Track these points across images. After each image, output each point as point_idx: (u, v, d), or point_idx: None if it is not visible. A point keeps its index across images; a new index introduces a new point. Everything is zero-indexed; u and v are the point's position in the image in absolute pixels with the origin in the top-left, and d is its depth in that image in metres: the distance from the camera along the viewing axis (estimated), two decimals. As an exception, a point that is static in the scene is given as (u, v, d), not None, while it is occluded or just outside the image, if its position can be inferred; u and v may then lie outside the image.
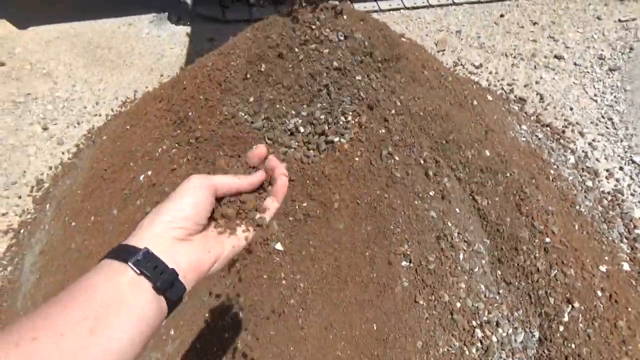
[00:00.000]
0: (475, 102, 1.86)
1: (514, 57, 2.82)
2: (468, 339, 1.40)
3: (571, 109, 2.45)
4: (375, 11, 3.24)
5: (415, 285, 1.45)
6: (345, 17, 1.53)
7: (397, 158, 1.52)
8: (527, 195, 1.60)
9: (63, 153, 2.35)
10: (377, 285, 1.44)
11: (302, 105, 1.48)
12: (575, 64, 2.74)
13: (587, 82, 2.61)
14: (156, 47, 3.01)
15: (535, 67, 2.74)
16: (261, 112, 1.50)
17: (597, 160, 2.19)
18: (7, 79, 2.74)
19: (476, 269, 1.51)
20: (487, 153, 1.66)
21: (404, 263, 1.47)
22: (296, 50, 1.47)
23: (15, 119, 2.51)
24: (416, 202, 1.50)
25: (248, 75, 1.51)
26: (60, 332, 0.43)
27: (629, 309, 1.43)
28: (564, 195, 1.82)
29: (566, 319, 1.40)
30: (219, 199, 0.65)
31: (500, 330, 1.42)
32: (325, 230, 1.47)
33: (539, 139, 2.17)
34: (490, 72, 2.72)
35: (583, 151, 2.22)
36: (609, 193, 2.03)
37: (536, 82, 2.62)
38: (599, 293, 1.43)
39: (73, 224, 1.71)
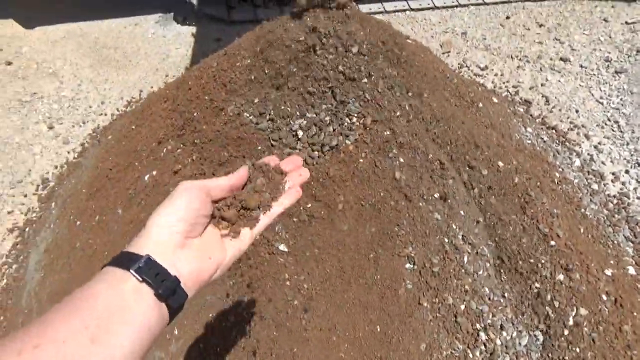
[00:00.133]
0: (480, 104, 1.85)
1: (520, 59, 2.81)
2: (472, 342, 1.39)
3: (577, 111, 2.44)
4: (381, 12, 3.24)
5: (419, 287, 1.45)
6: (351, 20, 1.53)
7: (401, 160, 1.51)
8: (532, 198, 1.59)
9: (68, 152, 2.36)
10: (380, 287, 1.44)
11: (307, 106, 1.48)
12: (581, 66, 2.73)
13: (593, 85, 2.60)
14: (162, 47, 3.02)
15: (540, 69, 2.73)
16: (266, 113, 1.50)
17: (603, 163, 2.18)
18: (13, 78, 2.75)
19: (480, 272, 1.50)
20: (492, 155, 1.66)
21: (408, 265, 1.46)
22: (302, 54, 1.47)
23: (22, 118, 2.52)
24: (420, 204, 1.50)
25: (252, 77, 1.51)
26: (62, 340, 0.43)
27: (634, 314, 1.42)
28: (569, 198, 1.82)
29: (571, 322, 1.39)
30: (216, 202, 0.65)
31: (504, 333, 1.42)
32: (330, 231, 1.47)
33: (544, 141, 2.16)
34: (496, 74, 2.71)
35: (589, 154, 2.21)
36: (614, 196, 2.02)
37: (542, 85, 2.61)
38: (604, 297, 1.43)
39: (78, 222, 1.71)
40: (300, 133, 1.49)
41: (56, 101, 2.62)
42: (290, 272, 1.47)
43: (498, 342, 1.40)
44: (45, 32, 3.10)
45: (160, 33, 3.14)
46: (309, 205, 1.49)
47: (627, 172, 2.13)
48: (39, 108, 2.58)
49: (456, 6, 3.29)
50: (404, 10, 3.27)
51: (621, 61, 2.73)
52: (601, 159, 2.19)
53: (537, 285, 1.45)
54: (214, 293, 1.48)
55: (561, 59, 2.78)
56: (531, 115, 2.40)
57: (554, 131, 2.30)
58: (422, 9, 3.28)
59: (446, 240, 1.49)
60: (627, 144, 2.26)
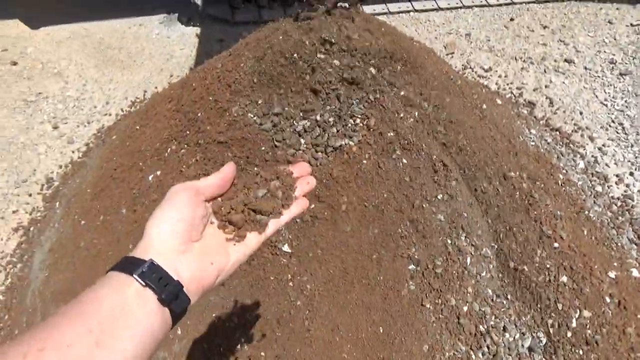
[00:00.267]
0: (484, 106, 1.85)
1: (524, 61, 2.81)
2: (474, 344, 1.39)
3: (581, 113, 2.44)
4: (385, 13, 3.24)
5: (422, 288, 1.45)
6: (356, 22, 1.53)
7: (405, 161, 1.51)
8: (536, 200, 1.59)
9: (73, 152, 2.37)
10: (383, 288, 1.44)
11: (311, 108, 1.48)
12: (585, 68, 2.72)
13: (598, 87, 2.59)
14: (166, 48, 3.03)
15: (545, 71, 2.73)
16: (270, 114, 1.50)
17: (607, 165, 2.17)
18: (19, 78, 2.77)
19: (483, 273, 1.50)
20: (496, 157, 1.66)
21: (411, 266, 1.47)
22: (306, 57, 1.47)
23: (27, 118, 2.53)
24: (424, 205, 1.50)
25: (255, 80, 1.52)
26: (67, 344, 0.43)
27: (638, 316, 1.42)
28: (573, 200, 1.81)
29: (574, 324, 1.39)
30: (209, 201, 0.65)
31: (507, 335, 1.42)
32: (333, 232, 1.48)
33: (548, 143, 2.16)
34: (500, 76, 2.71)
35: (593, 156, 2.20)
36: (618, 198, 2.01)
37: (546, 86, 2.61)
38: (608, 299, 1.42)
39: (82, 222, 1.72)
40: (303, 134, 1.49)
41: (61, 101, 2.63)
42: (294, 273, 1.47)
43: (501, 343, 1.40)
44: (50, 33, 3.12)
45: (165, 33, 3.15)
46: (313, 206, 1.50)
47: (631, 174, 2.13)
48: (44, 108, 2.59)
49: (460, 7, 3.29)
50: (408, 12, 3.27)
51: (626, 63, 2.72)
52: (605, 161, 2.19)
53: (540, 287, 1.45)
54: (218, 293, 1.49)
55: (565, 60, 2.78)
56: (535, 117, 2.40)
57: (558, 133, 2.30)
58: (426, 10, 3.28)
59: (449, 241, 1.49)
60: (632, 146, 2.25)
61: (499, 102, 2.18)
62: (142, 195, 1.63)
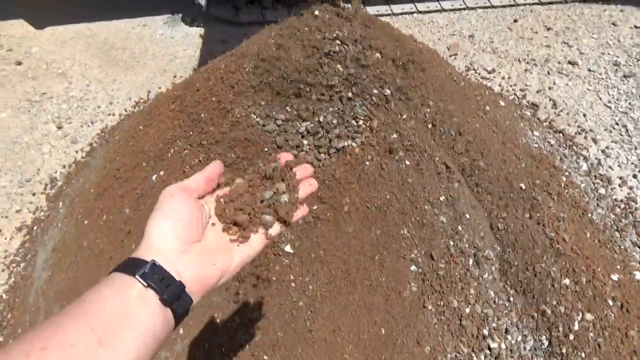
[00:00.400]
0: (487, 108, 1.85)
1: (527, 63, 2.80)
2: (476, 346, 1.39)
3: (584, 115, 2.43)
4: (388, 15, 3.24)
5: (424, 290, 1.45)
6: (358, 23, 1.53)
7: (407, 163, 1.51)
8: (539, 202, 1.59)
9: (77, 152, 2.38)
10: (385, 290, 1.44)
11: (314, 109, 1.49)
12: (589, 70, 2.71)
13: (601, 89, 2.59)
14: (169, 48, 3.04)
15: (548, 72, 2.72)
16: (273, 115, 1.51)
17: (610, 167, 2.16)
18: (23, 78, 2.78)
19: (486, 275, 1.50)
20: (499, 159, 1.66)
21: (413, 268, 1.47)
22: (309, 59, 1.47)
23: (31, 118, 2.54)
24: (426, 207, 1.50)
25: (260, 80, 1.52)
26: (69, 343, 0.43)
27: (641, 319, 1.41)
28: (576, 202, 1.81)
29: (576, 327, 1.39)
30: (201, 198, 0.65)
31: (509, 337, 1.41)
32: (335, 233, 1.48)
33: (551, 145, 2.15)
34: (503, 78, 2.71)
35: (596, 158, 2.20)
36: (621, 201, 2.01)
37: (549, 88, 2.60)
38: (610, 302, 1.42)
39: (85, 222, 1.73)
40: (306, 135, 1.50)
41: (65, 101, 2.64)
42: (296, 274, 1.47)
43: (503, 345, 1.39)
44: (55, 33, 3.13)
45: (169, 34, 3.16)
46: (315, 207, 1.50)
47: (634, 176, 2.12)
48: (48, 108, 2.60)
49: (464, 9, 3.29)
50: (412, 13, 3.27)
51: (630, 65, 2.71)
52: (608, 163, 2.18)
53: (542, 289, 1.45)
54: (220, 294, 1.49)
55: (569, 62, 2.77)
56: (538, 118, 2.39)
57: (561, 135, 2.29)
58: (430, 12, 3.28)
59: (451, 243, 1.49)
60: (635, 148, 2.25)
61: (502, 103, 2.17)
62: (145, 196, 1.64)
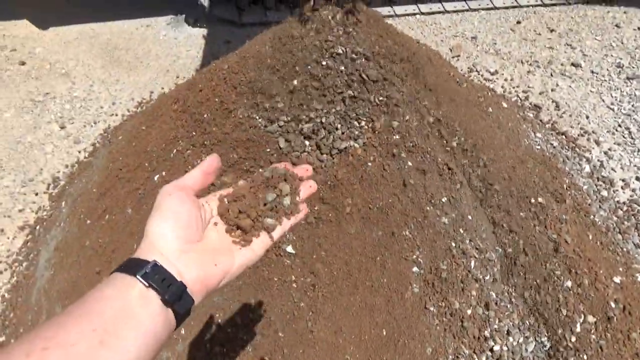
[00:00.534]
0: (490, 109, 1.85)
1: (530, 64, 2.80)
2: (478, 347, 1.39)
3: (587, 117, 2.43)
4: (391, 16, 3.24)
5: (425, 291, 1.45)
6: (360, 24, 1.53)
7: (410, 164, 1.51)
8: (541, 204, 1.58)
9: (79, 152, 2.38)
10: (387, 291, 1.44)
11: (317, 110, 1.49)
12: (592, 71, 2.71)
13: (604, 91, 2.58)
14: (172, 49, 3.05)
15: (551, 74, 2.72)
16: (275, 115, 1.51)
17: (613, 169, 2.16)
18: (27, 78, 2.79)
19: (487, 277, 1.50)
20: (501, 160, 1.65)
21: (414, 269, 1.46)
22: (311, 61, 1.48)
23: (34, 118, 2.55)
24: (428, 208, 1.50)
25: (262, 81, 1.52)
26: (70, 343, 0.43)
27: (643, 322, 1.41)
28: (579, 204, 1.80)
29: (578, 329, 1.38)
30: (199, 197, 0.65)
31: (510, 339, 1.41)
32: (337, 234, 1.48)
33: (554, 147, 2.15)
34: (506, 79, 2.70)
35: (599, 160, 2.19)
36: (624, 203, 2.00)
37: (552, 90, 2.60)
38: (613, 304, 1.42)
39: (88, 221, 1.73)
40: (309, 136, 1.50)
41: (68, 101, 2.65)
42: (297, 274, 1.47)
43: (504, 347, 1.39)
44: (59, 33, 3.14)
45: (172, 35, 3.17)
46: (317, 208, 1.50)
47: (637, 178, 2.12)
48: (51, 108, 2.61)
49: (466, 10, 3.29)
50: (414, 14, 3.27)
51: (633, 67, 2.71)
52: (611, 165, 2.18)
53: (544, 291, 1.45)
54: (221, 294, 1.49)
55: (572, 64, 2.77)
56: (541, 120, 2.39)
57: (563, 137, 2.29)
58: (432, 13, 3.28)
59: (453, 244, 1.49)
60: (638, 150, 2.24)
61: (504, 105, 2.17)
62: (147, 196, 1.64)
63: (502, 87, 2.65)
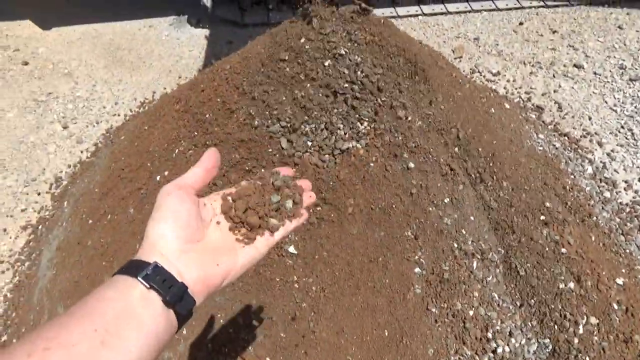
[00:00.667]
0: (492, 110, 1.85)
1: (533, 66, 2.79)
2: (480, 348, 1.38)
3: (590, 118, 2.42)
4: (393, 17, 3.24)
5: (427, 292, 1.45)
6: (363, 25, 1.53)
7: (412, 164, 1.51)
8: (543, 205, 1.58)
9: (82, 152, 2.39)
10: (389, 291, 1.44)
11: (319, 111, 1.49)
12: (595, 73, 2.70)
13: (607, 92, 2.58)
14: (175, 49, 3.05)
15: (554, 75, 2.71)
16: (278, 116, 1.51)
17: (616, 171, 2.15)
18: (30, 77, 2.80)
19: (490, 278, 1.49)
20: (503, 161, 1.65)
21: (416, 270, 1.46)
22: (312, 63, 1.48)
23: (37, 117, 2.56)
24: (430, 208, 1.50)
25: (264, 81, 1.52)
26: (72, 343, 0.43)
27: (646, 323, 1.40)
28: (581, 205, 1.80)
29: (581, 331, 1.38)
30: (201, 196, 0.65)
31: (513, 340, 1.41)
32: (339, 234, 1.48)
33: (556, 148, 2.14)
34: (508, 80, 2.70)
35: (601, 162, 2.19)
36: (627, 205, 1.99)
37: (554, 91, 2.59)
38: (615, 306, 1.41)
39: (90, 221, 1.73)
40: (311, 136, 1.50)
41: (71, 101, 2.66)
42: (299, 275, 1.47)
43: (507, 348, 1.39)
44: (62, 34, 3.15)
45: (174, 35, 3.17)
46: (319, 208, 1.50)
47: (640, 180, 2.11)
48: (54, 108, 2.62)
49: (469, 11, 3.29)
50: (417, 15, 3.27)
51: (636, 69, 2.70)
52: (614, 166, 2.17)
53: (547, 292, 1.44)
54: (223, 294, 1.49)
55: (575, 65, 2.77)
56: (543, 121, 2.39)
57: (566, 138, 2.29)
58: (435, 14, 3.27)
59: (455, 245, 1.49)
60: (641, 152, 2.24)
61: (507, 106, 2.17)
62: (149, 195, 1.64)
63: (505, 88, 2.64)
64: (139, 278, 0.51)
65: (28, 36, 3.10)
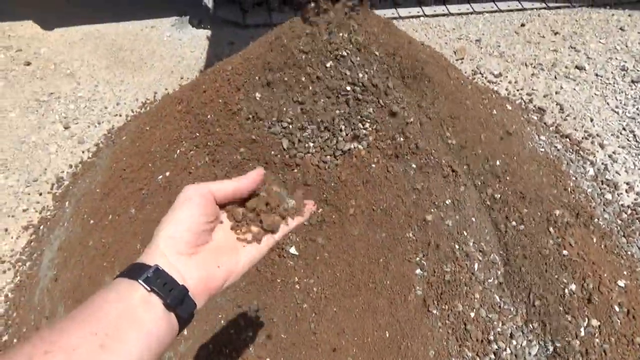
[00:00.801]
0: (494, 112, 1.85)
1: (534, 67, 2.79)
2: (481, 350, 1.38)
3: (591, 120, 2.42)
4: (395, 18, 3.24)
5: (428, 293, 1.45)
6: (365, 26, 1.53)
7: (414, 166, 1.51)
8: (545, 207, 1.58)
9: (83, 152, 2.39)
10: (390, 293, 1.44)
11: (321, 111, 1.49)
12: (596, 74, 2.70)
13: (609, 94, 2.57)
14: (177, 50, 3.06)
15: (555, 77, 2.71)
16: (279, 117, 1.51)
17: (617, 173, 2.15)
18: (32, 78, 2.80)
19: (491, 280, 1.49)
20: (505, 162, 1.65)
21: (418, 271, 1.46)
22: (314, 67, 1.48)
23: (38, 118, 2.56)
24: (432, 210, 1.50)
25: (266, 82, 1.52)
26: (72, 347, 0.43)
27: (648, 326, 1.40)
28: (583, 207, 1.80)
29: (582, 333, 1.38)
30: (223, 207, 0.64)
31: (514, 342, 1.41)
32: (340, 235, 1.48)
33: (558, 149, 2.14)
34: (510, 82, 2.70)
35: (603, 163, 2.19)
36: (628, 207, 1.99)
37: (556, 93, 2.59)
38: (617, 308, 1.41)
39: (91, 221, 1.73)
40: (312, 137, 1.50)
41: (73, 101, 2.66)
42: (300, 276, 1.47)
43: (508, 350, 1.39)
44: (64, 34, 3.15)
45: (176, 36, 3.18)
46: (320, 210, 1.50)
47: (642, 182, 2.11)
48: (55, 108, 2.62)
49: (471, 13, 3.29)
50: (418, 17, 3.27)
51: (638, 70, 2.70)
52: (615, 168, 2.17)
53: (548, 294, 1.44)
54: (224, 295, 1.49)
55: (576, 67, 2.76)
56: (545, 123, 2.39)
57: (568, 140, 2.28)
58: (436, 16, 3.27)
59: (457, 247, 1.49)
60: (643, 154, 2.24)
61: (508, 107, 2.17)
62: (151, 196, 1.64)
63: (506, 89, 2.64)
64: (140, 281, 0.51)
65: (30, 36, 3.10)
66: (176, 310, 0.52)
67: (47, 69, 2.87)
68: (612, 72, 2.70)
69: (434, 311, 1.42)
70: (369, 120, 1.50)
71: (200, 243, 0.59)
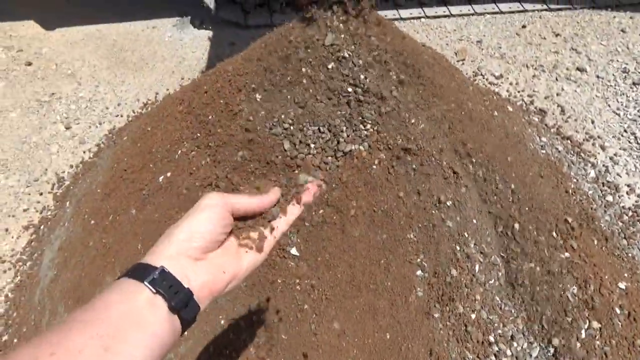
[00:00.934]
0: (495, 113, 1.85)
1: (535, 69, 2.79)
2: (482, 352, 1.38)
3: (593, 122, 2.42)
4: (396, 19, 3.24)
5: (429, 295, 1.44)
6: (366, 28, 1.53)
7: (415, 167, 1.51)
8: (546, 209, 1.58)
9: (84, 152, 2.39)
10: (391, 294, 1.44)
11: (322, 113, 1.49)
12: (598, 76, 2.70)
13: (610, 96, 2.57)
14: (178, 51, 3.06)
15: (556, 79, 2.71)
16: (280, 118, 1.51)
17: (618, 175, 2.15)
18: (33, 78, 2.80)
19: (492, 281, 1.49)
20: (505, 163, 1.65)
21: (419, 272, 1.46)
22: (315, 68, 1.48)
23: (40, 118, 2.56)
24: (433, 211, 1.49)
25: (267, 83, 1.52)
26: (77, 349, 0.43)
27: (649, 328, 1.40)
28: (584, 209, 1.80)
29: (583, 335, 1.37)
30: (238, 219, 0.65)
31: (515, 344, 1.41)
32: (341, 236, 1.47)
33: (559, 151, 2.14)
34: (511, 83, 2.70)
35: (604, 165, 2.18)
36: (629, 209, 1.99)
37: (557, 94, 2.59)
38: (618, 310, 1.41)
39: (92, 222, 1.73)
40: (314, 138, 1.50)
41: (74, 102, 2.66)
42: (301, 277, 1.47)
43: (508, 352, 1.39)
44: (65, 34, 3.15)
45: (177, 36, 3.18)
46: (321, 211, 1.50)
47: (643, 184, 2.11)
48: (57, 108, 2.62)
49: (472, 14, 3.29)
50: (419, 18, 3.27)
51: (639, 72, 2.70)
52: (616, 170, 2.17)
53: (549, 296, 1.44)
54: (225, 296, 1.49)
55: (577, 69, 2.76)
56: (546, 124, 2.38)
57: (569, 141, 2.28)
58: (438, 17, 3.27)
59: (458, 248, 1.49)
60: (644, 156, 2.23)
61: (509, 109, 2.17)
62: (151, 196, 1.64)
63: (507, 91, 2.64)
64: (146, 282, 0.51)
65: (31, 36, 3.11)
66: (180, 312, 0.52)
67: (48, 69, 2.87)
68: (613, 74, 2.70)
69: (435, 313, 1.42)
70: (370, 122, 1.50)
71: (209, 250, 0.59)
